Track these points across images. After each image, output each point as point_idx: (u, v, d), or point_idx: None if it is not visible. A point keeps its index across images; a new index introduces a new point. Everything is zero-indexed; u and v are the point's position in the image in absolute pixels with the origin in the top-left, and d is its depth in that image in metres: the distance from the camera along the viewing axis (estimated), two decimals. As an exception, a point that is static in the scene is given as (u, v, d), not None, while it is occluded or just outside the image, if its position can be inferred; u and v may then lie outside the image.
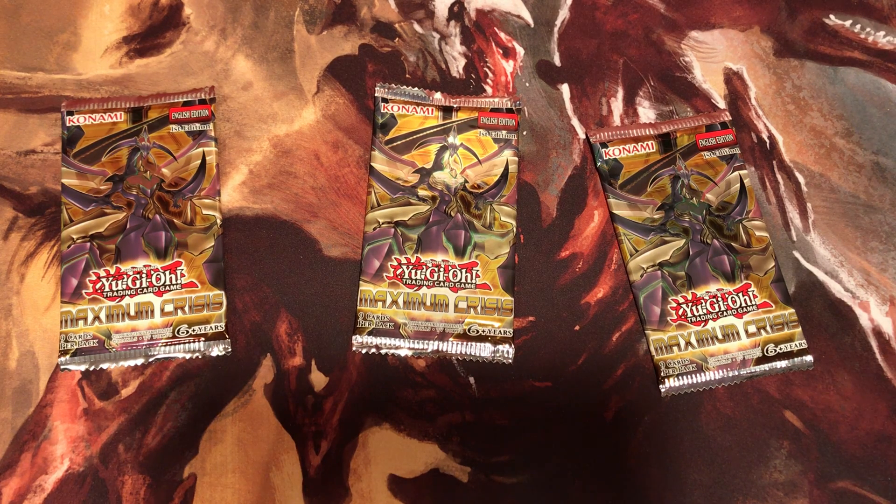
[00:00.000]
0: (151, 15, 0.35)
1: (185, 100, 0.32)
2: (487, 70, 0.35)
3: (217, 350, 0.29)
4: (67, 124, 0.31)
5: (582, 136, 0.34)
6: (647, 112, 0.34)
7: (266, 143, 0.33)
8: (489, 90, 0.34)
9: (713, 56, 0.36)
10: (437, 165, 0.31)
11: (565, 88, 0.35)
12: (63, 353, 0.28)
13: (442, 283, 0.29)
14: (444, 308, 0.29)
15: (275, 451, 0.28)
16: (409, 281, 0.29)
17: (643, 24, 0.36)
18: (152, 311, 0.29)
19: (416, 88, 0.33)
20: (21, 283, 0.30)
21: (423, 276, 0.29)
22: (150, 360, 0.28)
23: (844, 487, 0.28)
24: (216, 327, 0.29)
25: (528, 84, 0.35)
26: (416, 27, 0.36)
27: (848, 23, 0.37)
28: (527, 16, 0.37)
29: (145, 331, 0.28)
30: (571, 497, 0.28)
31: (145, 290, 0.29)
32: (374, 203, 0.30)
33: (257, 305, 0.30)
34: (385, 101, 0.32)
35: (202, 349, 0.28)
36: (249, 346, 0.29)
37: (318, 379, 0.29)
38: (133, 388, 0.28)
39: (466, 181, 0.31)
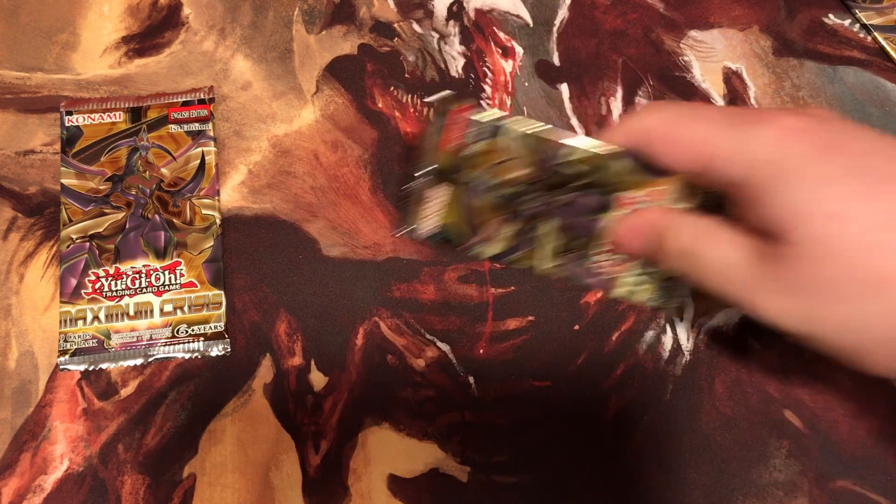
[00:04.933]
0: (150, 15, 0.35)
1: (184, 100, 0.32)
2: (487, 70, 0.35)
3: (216, 350, 0.29)
4: (66, 124, 0.31)
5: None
6: (646, 111, 0.34)
7: (265, 143, 0.33)
8: (488, 90, 0.34)
9: (712, 55, 0.36)
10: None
11: (564, 88, 0.35)
12: (62, 353, 0.28)
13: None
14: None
15: (274, 451, 0.28)
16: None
17: (642, 23, 0.36)
18: (151, 311, 0.29)
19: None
20: (20, 283, 0.29)
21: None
22: (150, 360, 0.28)
23: (844, 487, 0.28)
24: (215, 327, 0.29)
25: (527, 84, 0.35)
26: (416, 27, 0.36)
27: (847, 22, 0.37)
28: (526, 15, 0.37)
29: (144, 331, 0.28)
30: (571, 497, 0.28)
31: (144, 290, 0.29)
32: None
33: (256, 305, 0.30)
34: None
35: (201, 349, 0.28)
36: (249, 345, 0.29)
37: (318, 379, 0.29)
38: (132, 388, 0.28)
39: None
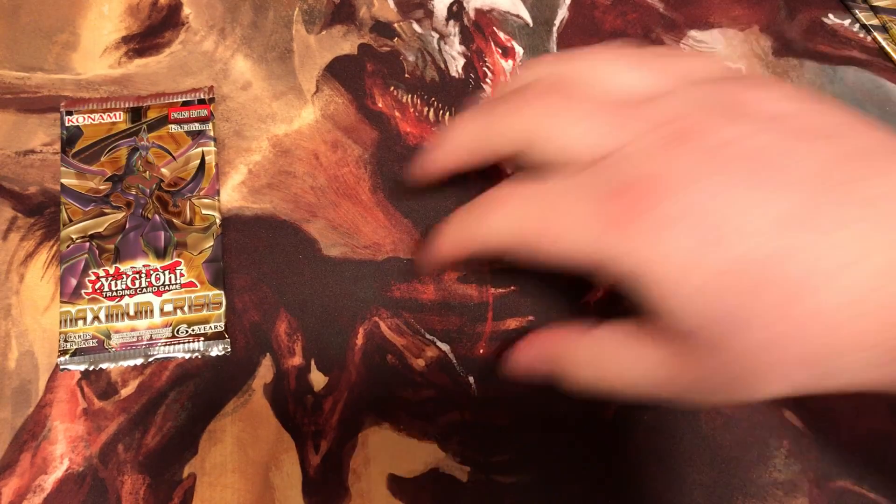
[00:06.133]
0: (150, 15, 0.35)
1: (184, 99, 0.32)
2: (486, 70, 0.35)
3: (216, 350, 0.29)
4: (66, 124, 0.31)
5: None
6: (646, 111, 0.34)
7: (265, 143, 0.33)
8: (488, 90, 0.34)
9: (712, 55, 0.36)
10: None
11: (564, 88, 0.35)
12: (62, 353, 0.28)
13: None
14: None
15: (274, 451, 0.28)
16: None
17: (642, 23, 0.36)
18: (151, 311, 0.29)
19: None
20: (20, 283, 0.29)
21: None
22: (150, 359, 0.28)
23: (844, 487, 0.28)
24: (215, 327, 0.29)
25: (527, 83, 0.35)
26: (416, 27, 0.36)
27: (847, 22, 0.37)
28: (526, 15, 0.37)
29: (145, 331, 0.28)
30: (571, 497, 0.28)
31: (144, 290, 0.29)
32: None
33: (256, 305, 0.30)
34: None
35: (201, 349, 0.28)
36: (249, 345, 0.29)
37: (318, 378, 0.29)
38: (132, 387, 0.28)
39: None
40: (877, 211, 0.17)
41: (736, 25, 0.37)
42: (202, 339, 0.28)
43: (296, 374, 0.29)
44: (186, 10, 0.35)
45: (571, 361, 0.23)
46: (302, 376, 0.29)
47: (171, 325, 0.28)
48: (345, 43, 0.35)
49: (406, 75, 0.35)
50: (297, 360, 0.29)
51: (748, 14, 0.37)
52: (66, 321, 0.28)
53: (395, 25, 0.36)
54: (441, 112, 0.34)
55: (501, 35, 0.36)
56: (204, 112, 0.32)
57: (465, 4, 0.36)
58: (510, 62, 0.35)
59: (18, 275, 0.30)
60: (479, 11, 0.36)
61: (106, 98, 0.33)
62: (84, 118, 0.31)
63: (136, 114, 0.32)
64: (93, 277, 0.29)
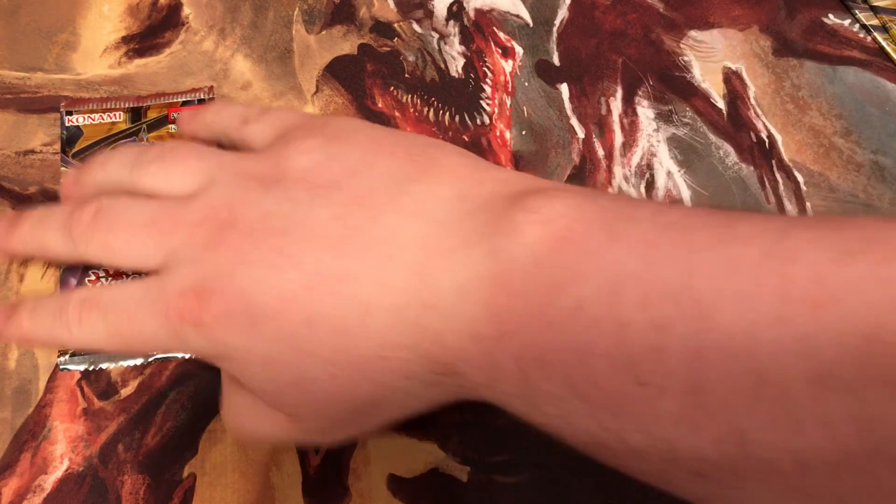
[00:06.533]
0: (150, 15, 0.35)
1: (184, 99, 0.32)
2: (486, 70, 0.35)
3: None
4: (66, 124, 0.31)
5: (581, 135, 0.34)
6: (645, 111, 0.34)
7: (265, 143, 0.33)
8: (488, 90, 0.34)
9: (712, 55, 0.36)
10: None
11: (564, 88, 0.35)
12: (62, 353, 0.28)
13: None
14: None
15: (275, 451, 0.28)
16: None
17: (642, 23, 0.37)
18: None
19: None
20: (20, 284, 0.29)
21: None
22: (150, 359, 0.28)
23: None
24: None
25: (527, 83, 0.35)
26: (415, 27, 0.36)
27: (847, 22, 0.37)
28: (526, 15, 0.37)
29: None
30: (571, 497, 0.28)
31: None
32: None
33: (257, 305, 0.30)
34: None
35: None
36: (249, 345, 0.29)
37: (318, 379, 0.29)
38: (133, 387, 0.28)
39: None
40: (372, 254, 0.20)
41: (736, 25, 0.37)
42: None
43: (296, 374, 0.29)
44: (186, 10, 0.35)
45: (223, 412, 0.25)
46: (302, 376, 0.29)
47: None
48: (345, 43, 0.35)
49: (406, 75, 0.35)
50: (297, 360, 0.29)
51: (748, 14, 0.37)
52: None
53: (395, 25, 0.36)
54: (441, 112, 0.34)
55: (501, 35, 0.36)
56: None
57: (465, 4, 0.36)
58: (510, 62, 0.35)
59: (18, 275, 0.30)
60: (479, 11, 0.36)
61: (106, 98, 0.33)
62: (84, 118, 0.31)
63: (136, 114, 0.32)
64: (92, 277, 0.29)
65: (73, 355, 0.28)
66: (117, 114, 0.32)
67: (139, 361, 0.28)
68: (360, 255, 0.20)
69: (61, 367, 0.28)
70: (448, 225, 0.20)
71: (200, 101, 0.32)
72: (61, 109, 0.32)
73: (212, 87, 0.33)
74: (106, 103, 0.32)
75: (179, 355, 0.28)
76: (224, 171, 0.23)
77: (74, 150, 0.31)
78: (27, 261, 0.30)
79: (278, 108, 0.33)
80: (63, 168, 0.31)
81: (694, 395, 0.16)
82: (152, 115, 0.32)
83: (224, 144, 0.27)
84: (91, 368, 0.28)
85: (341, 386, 0.20)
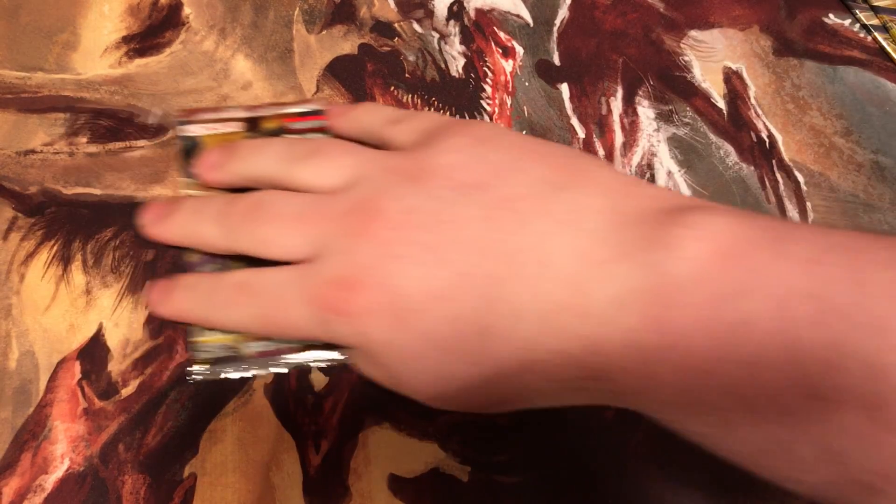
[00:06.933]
0: (151, 15, 0.35)
1: (297, 110, 0.31)
2: (487, 69, 0.35)
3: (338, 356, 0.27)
4: (184, 134, 0.31)
5: (582, 135, 0.34)
6: (646, 111, 0.34)
7: (266, 143, 0.33)
8: (489, 90, 0.34)
9: (712, 55, 0.36)
10: None
11: (565, 88, 0.35)
12: (198, 362, 0.27)
13: None
14: None
15: (275, 451, 0.28)
16: None
17: (642, 23, 0.37)
18: None
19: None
20: (21, 283, 0.30)
21: None
22: (269, 369, 0.27)
23: (844, 486, 0.28)
24: None
25: (527, 83, 0.35)
26: (416, 27, 0.36)
27: (847, 22, 0.37)
28: (526, 15, 0.37)
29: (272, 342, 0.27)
30: (571, 497, 0.28)
31: None
32: None
33: (257, 305, 0.30)
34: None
35: (336, 358, 0.27)
36: (249, 345, 0.29)
37: (319, 379, 0.29)
38: (133, 387, 0.28)
39: None
40: (522, 259, 0.20)
41: (736, 25, 0.37)
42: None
43: (296, 374, 0.29)
44: (187, 10, 0.35)
45: None
46: (303, 376, 0.29)
47: None
48: (345, 43, 0.35)
49: (406, 75, 0.35)
50: (297, 359, 0.29)
51: (748, 14, 0.37)
52: (191, 331, 0.27)
53: (396, 25, 0.36)
54: (441, 112, 0.34)
55: (502, 35, 0.36)
56: (322, 123, 0.31)
57: (465, 4, 0.36)
58: (510, 62, 0.35)
59: (19, 275, 0.30)
60: (479, 11, 0.36)
61: (216, 108, 0.32)
62: (202, 128, 0.31)
63: (252, 124, 0.31)
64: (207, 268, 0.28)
65: (213, 364, 0.27)
66: (235, 124, 0.31)
67: (284, 370, 0.27)
68: (509, 260, 0.20)
69: (192, 376, 0.27)
70: (599, 236, 0.20)
71: (314, 113, 0.31)
72: (177, 119, 0.31)
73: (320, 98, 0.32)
74: (219, 113, 0.31)
75: (321, 364, 0.28)
76: (373, 166, 0.23)
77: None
78: (28, 260, 0.30)
79: (426, 112, 0.33)
80: (182, 179, 0.30)
81: (876, 410, 0.16)
82: (268, 125, 0.31)
83: (366, 143, 0.27)
84: (222, 378, 0.27)
85: (481, 386, 0.21)
